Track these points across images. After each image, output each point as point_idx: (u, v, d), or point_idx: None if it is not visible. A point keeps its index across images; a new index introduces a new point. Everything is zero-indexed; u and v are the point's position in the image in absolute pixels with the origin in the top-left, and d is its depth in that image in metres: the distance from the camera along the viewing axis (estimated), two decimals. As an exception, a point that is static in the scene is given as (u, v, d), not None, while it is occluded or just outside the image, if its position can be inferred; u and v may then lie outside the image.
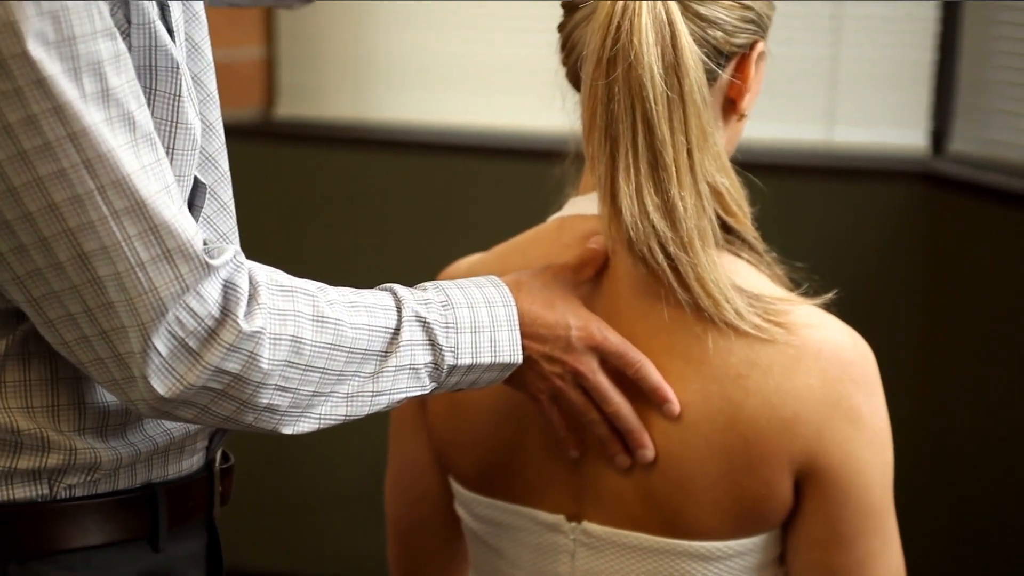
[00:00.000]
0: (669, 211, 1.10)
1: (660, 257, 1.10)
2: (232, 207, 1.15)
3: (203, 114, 1.10)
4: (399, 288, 1.12)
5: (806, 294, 1.18)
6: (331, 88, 2.82)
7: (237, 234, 1.18)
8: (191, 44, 1.10)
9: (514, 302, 1.13)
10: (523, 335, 1.13)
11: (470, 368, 1.11)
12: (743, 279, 1.15)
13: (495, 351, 1.11)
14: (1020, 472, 2.35)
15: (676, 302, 1.12)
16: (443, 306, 1.10)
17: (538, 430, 1.20)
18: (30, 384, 1.04)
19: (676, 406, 1.14)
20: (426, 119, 2.77)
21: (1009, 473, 2.37)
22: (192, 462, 1.15)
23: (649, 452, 1.15)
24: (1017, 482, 2.35)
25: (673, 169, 1.09)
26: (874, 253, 2.55)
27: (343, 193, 2.78)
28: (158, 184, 0.97)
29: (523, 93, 2.64)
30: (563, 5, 1.20)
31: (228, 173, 1.14)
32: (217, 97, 1.13)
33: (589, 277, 1.18)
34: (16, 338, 1.03)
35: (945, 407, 2.50)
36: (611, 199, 1.11)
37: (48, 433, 1.04)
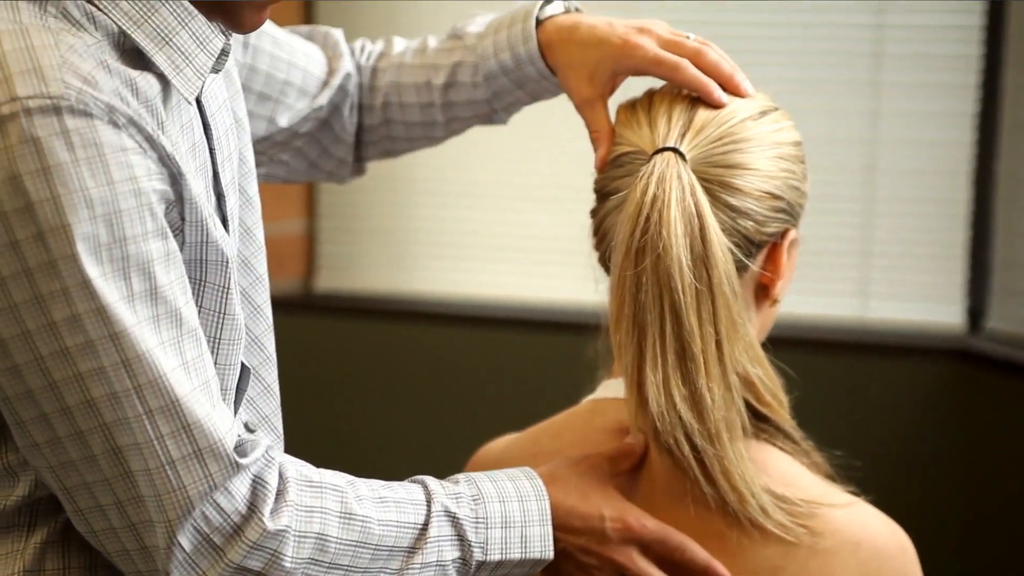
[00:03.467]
0: (696, 402, 1.09)
1: (686, 449, 1.09)
2: (276, 389, 1.17)
3: (251, 296, 1.13)
4: (430, 481, 1.11)
5: (844, 481, 1.17)
6: (369, 261, 2.86)
7: (280, 416, 1.19)
8: (244, 228, 1.13)
9: (548, 495, 1.12)
10: (557, 528, 1.12)
11: (499, 564, 1.10)
12: (777, 470, 1.14)
13: (525, 547, 1.10)
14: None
15: (702, 496, 1.11)
16: (474, 500, 1.10)
17: None
18: (69, 572, 1.05)
19: None
20: (462, 292, 2.80)
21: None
22: None
23: None
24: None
25: (701, 360, 1.09)
26: (909, 433, 2.53)
27: (381, 365, 2.80)
28: (197, 380, 0.99)
29: (558, 267, 2.67)
30: (596, 191, 1.22)
31: (274, 355, 1.16)
32: (266, 280, 1.16)
33: (626, 469, 1.17)
34: (57, 527, 1.05)
35: (987, 589, 2.45)
36: (637, 388, 1.11)
37: None
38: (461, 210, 2.78)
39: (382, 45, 1.44)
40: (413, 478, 1.12)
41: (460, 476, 1.13)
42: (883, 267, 2.60)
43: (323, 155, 1.44)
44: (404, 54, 1.42)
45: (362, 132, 1.44)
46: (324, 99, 1.39)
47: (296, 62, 1.36)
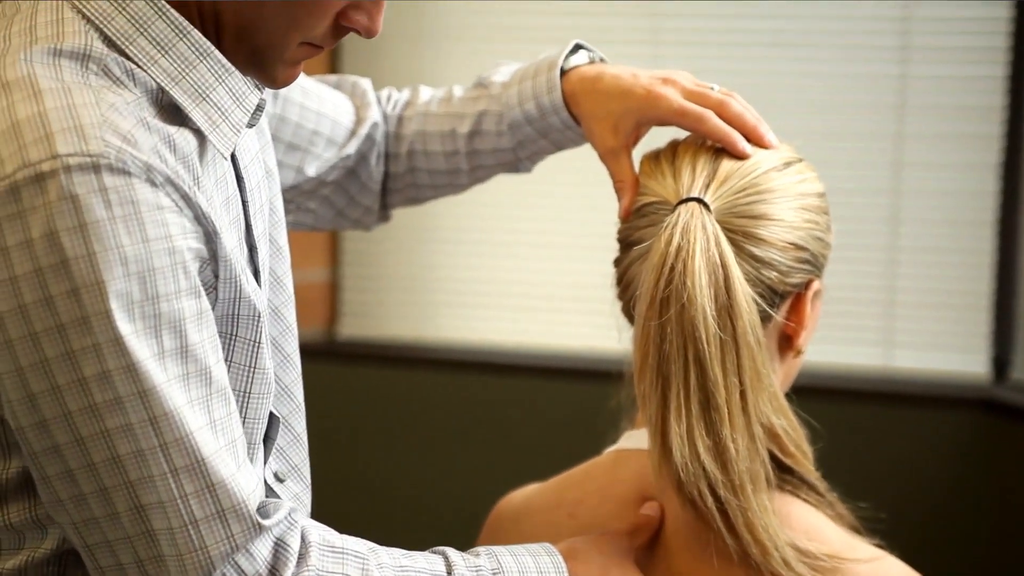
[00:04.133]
0: (720, 453, 1.09)
1: (710, 501, 1.09)
2: (304, 438, 1.17)
3: (281, 346, 1.13)
4: (451, 552, 1.11)
5: (869, 533, 1.16)
6: (393, 309, 2.87)
7: (308, 464, 1.19)
8: (274, 278, 1.14)
9: (567, 571, 1.11)
10: None
11: None
12: (801, 522, 1.13)
13: None
14: None
15: (724, 548, 1.11)
16: (494, 574, 1.09)
17: None
18: None
19: None
20: (485, 339, 2.81)
21: None
22: None
23: None
24: None
25: (725, 411, 1.09)
26: (935, 484, 2.52)
27: (404, 411, 2.80)
28: (223, 440, 0.99)
29: (580, 315, 2.67)
30: (619, 241, 1.22)
31: (302, 404, 1.16)
32: (296, 329, 1.16)
33: (645, 542, 1.16)
34: None
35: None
36: (661, 439, 1.11)
37: None
38: (484, 258, 2.79)
39: (408, 94, 1.45)
40: (434, 549, 1.11)
41: (481, 549, 1.13)
42: (907, 316, 2.60)
43: (350, 203, 1.44)
44: (430, 103, 1.43)
45: (388, 180, 1.45)
46: (352, 148, 1.40)
47: (325, 112, 1.38)
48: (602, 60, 1.36)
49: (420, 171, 1.43)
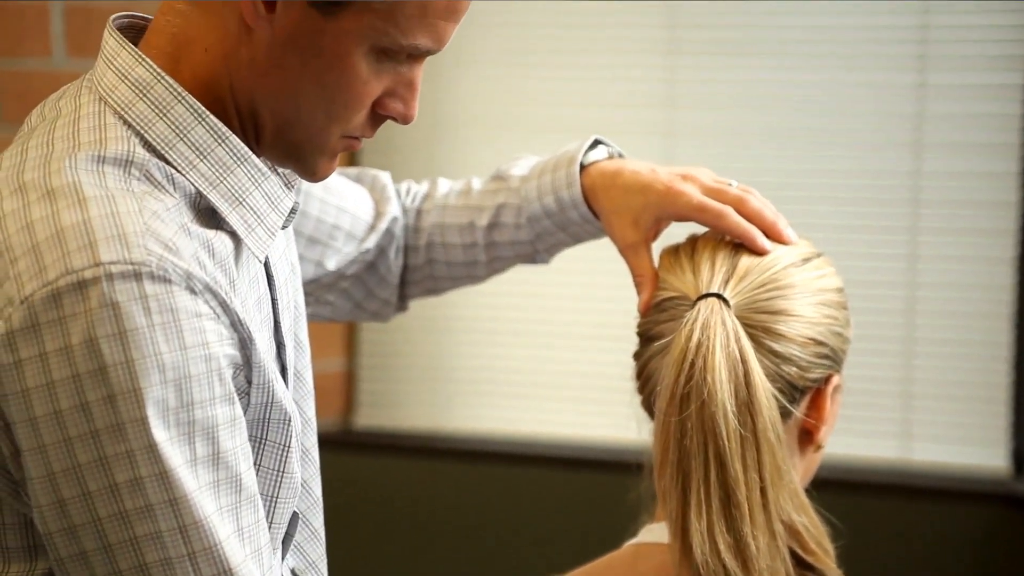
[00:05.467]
0: (741, 551, 1.08)
1: (730, 599, 1.09)
2: (322, 533, 1.17)
3: (300, 440, 1.13)
4: None
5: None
6: (410, 398, 2.87)
7: (325, 560, 1.19)
8: (295, 373, 1.14)
9: None
10: None
11: None
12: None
13: None
14: None
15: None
16: None
17: None
18: None
19: None
20: (503, 430, 2.80)
21: None
22: None
23: None
24: None
25: (746, 507, 1.09)
26: (956, 578, 2.49)
27: (421, 502, 2.79)
28: (250, 548, 0.99)
29: (599, 406, 2.66)
30: (639, 335, 1.23)
31: (320, 499, 1.16)
32: (315, 424, 1.17)
33: None
34: None
35: None
36: (682, 535, 1.10)
37: None
38: (501, 347, 2.79)
39: (427, 186, 1.47)
40: None
41: None
42: (925, 409, 2.58)
43: (368, 296, 1.45)
44: (448, 195, 1.44)
45: (406, 272, 1.46)
46: (371, 243, 1.41)
47: (345, 206, 1.39)
48: (620, 155, 1.37)
49: (438, 263, 1.44)
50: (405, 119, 1.08)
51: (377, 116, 1.07)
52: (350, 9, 1.00)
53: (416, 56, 1.05)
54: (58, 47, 2.30)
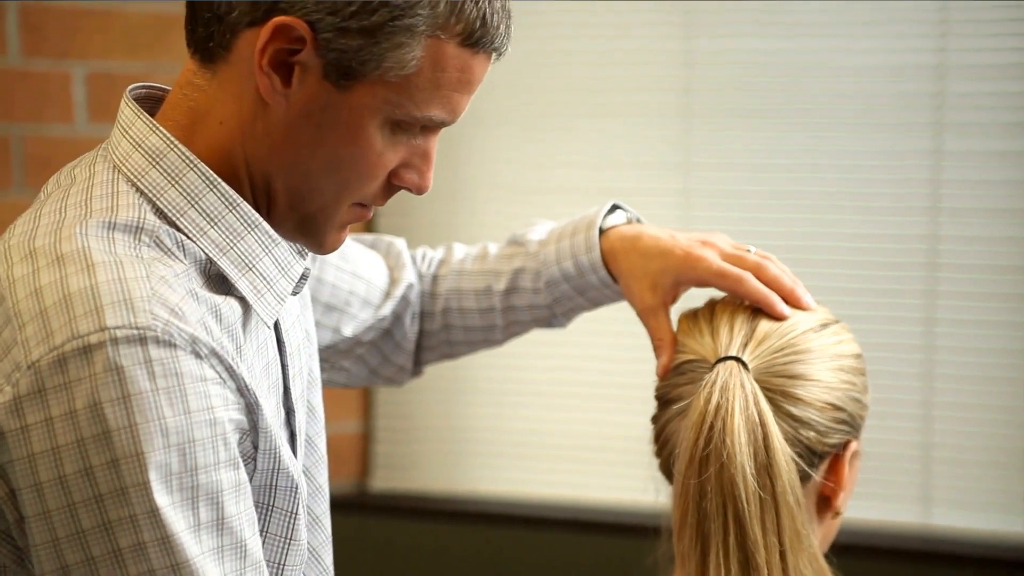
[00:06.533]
0: (761, 615, 1.08)
1: (751, 663, 1.08)
2: None
3: (311, 508, 1.13)
4: None
5: None
6: (426, 460, 2.86)
7: None
8: (307, 439, 1.14)
9: None
10: None
11: None
12: None
13: None
14: None
15: None
16: None
17: None
18: None
19: None
20: (520, 492, 2.79)
21: None
22: None
23: None
24: None
25: (765, 571, 1.08)
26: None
27: (438, 565, 2.78)
28: None
29: (617, 467, 2.65)
30: (657, 398, 1.23)
31: (331, 568, 1.15)
32: (327, 490, 1.16)
33: None
34: None
35: None
36: (702, 598, 1.10)
37: None
38: (518, 409, 2.79)
39: (443, 252, 1.47)
40: None
41: None
42: (945, 474, 2.57)
43: (384, 362, 1.45)
44: (464, 260, 1.44)
45: (422, 337, 1.46)
46: (387, 310, 1.41)
47: (361, 273, 1.39)
48: (639, 220, 1.38)
49: (455, 328, 1.44)
50: (420, 190, 1.09)
51: (391, 186, 1.08)
52: (364, 82, 1.01)
53: (431, 128, 1.06)
54: (80, 113, 2.33)
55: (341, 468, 2.84)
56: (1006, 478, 2.54)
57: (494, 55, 1.06)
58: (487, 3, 1.03)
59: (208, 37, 1.03)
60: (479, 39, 1.04)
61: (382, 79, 1.01)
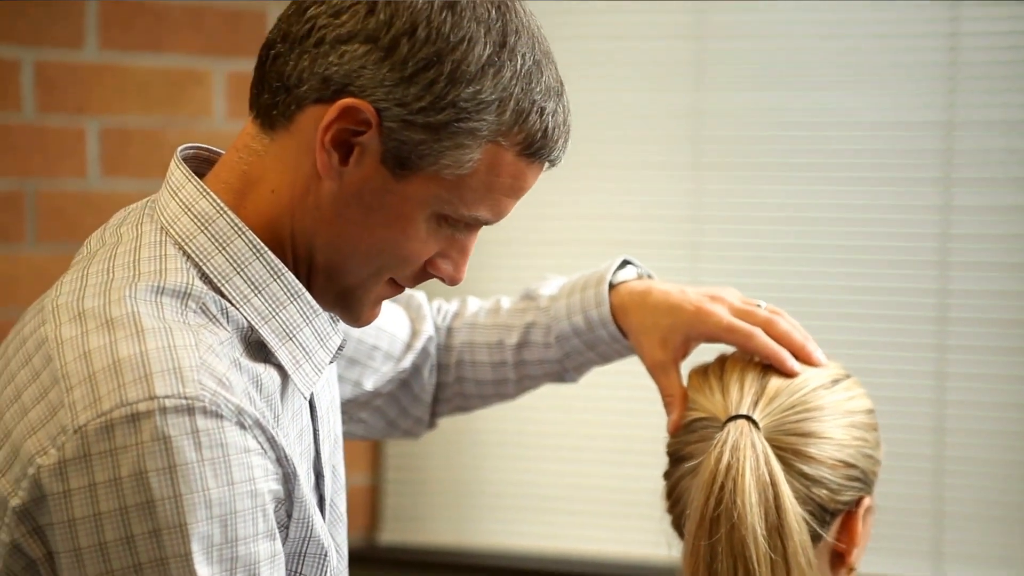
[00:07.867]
0: (773, 677, 1.08)
1: None
2: None
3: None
4: None
5: None
6: (435, 514, 2.85)
7: None
8: (330, 501, 1.15)
9: None
10: None
11: None
12: None
13: None
14: None
15: None
16: None
17: None
18: None
19: None
20: (528, 545, 2.78)
21: None
22: None
23: None
24: None
25: (778, 632, 1.08)
26: None
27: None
28: None
29: (628, 520, 2.64)
30: (668, 455, 1.23)
31: None
32: (345, 550, 1.17)
33: None
34: None
35: None
36: (713, 660, 1.10)
37: None
38: (528, 462, 2.78)
39: (457, 305, 1.48)
40: None
41: None
42: (957, 528, 2.55)
43: (402, 414, 1.45)
44: (478, 314, 1.45)
45: (437, 390, 1.47)
46: (408, 362, 1.41)
47: (383, 327, 1.40)
48: (649, 275, 1.38)
49: (468, 381, 1.44)
50: (453, 281, 1.11)
51: (425, 272, 1.10)
52: (420, 175, 1.03)
53: (473, 225, 1.08)
54: (93, 168, 2.34)
55: (350, 521, 2.83)
56: (1019, 533, 2.53)
57: (547, 165, 1.08)
58: (551, 116, 1.05)
59: (273, 105, 1.04)
60: (538, 150, 1.06)
61: (437, 175, 1.03)
